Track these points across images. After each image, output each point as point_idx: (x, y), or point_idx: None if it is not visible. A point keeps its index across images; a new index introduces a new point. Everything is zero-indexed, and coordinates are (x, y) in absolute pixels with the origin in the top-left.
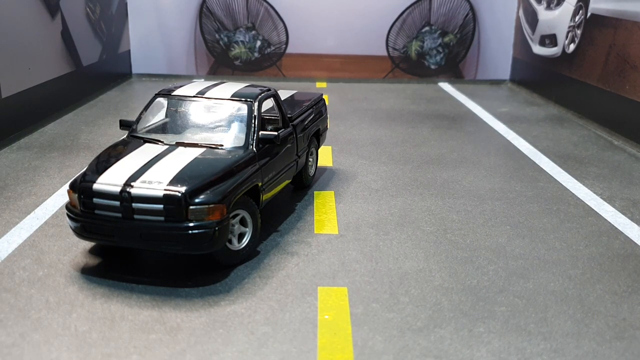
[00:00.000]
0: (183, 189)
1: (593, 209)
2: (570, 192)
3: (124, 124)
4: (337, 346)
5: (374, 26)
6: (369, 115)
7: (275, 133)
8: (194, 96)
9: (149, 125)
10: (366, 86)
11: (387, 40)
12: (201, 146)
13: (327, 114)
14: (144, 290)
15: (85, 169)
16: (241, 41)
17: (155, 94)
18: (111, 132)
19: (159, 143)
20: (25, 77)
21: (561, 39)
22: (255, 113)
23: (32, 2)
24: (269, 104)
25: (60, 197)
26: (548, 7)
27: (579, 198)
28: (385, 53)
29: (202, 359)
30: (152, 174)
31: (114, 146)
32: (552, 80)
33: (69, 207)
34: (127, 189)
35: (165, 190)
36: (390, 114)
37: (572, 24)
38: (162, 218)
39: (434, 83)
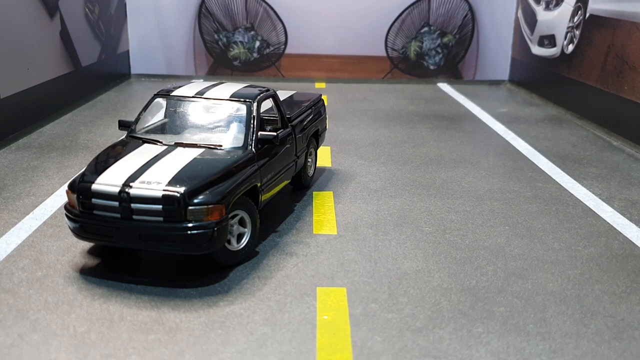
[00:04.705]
0: (182, 189)
1: (592, 210)
2: (569, 192)
3: (123, 125)
4: (336, 346)
5: (373, 26)
6: (368, 115)
7: (274, 133)
8: (193, 96)
9: (148, 126)
10: (365, 86)
11: (386, 40)
12: (200, 146)
13: (326, 115)
14: (142, 291)
15: (84, 169)
16: (240, 41)
17: (154, 95)
18: (110, 133)
19: (158, 143)
20: (24, 77)
21: (560, 39)
22: (254, 113)
23: (30, 2)
24: (268, 104)
25: (59, 197)
26: (547, 8)
27: (577, 198)
28: (384, 53)
29: None
30: (151, 174)
31: (113, 146)
32: (551, 81)
33: (67, 207)
34: (126, 190)
35: (164, 190)
36: (389, 114)
37: (570, 24)
38: (161, 218)
39: (433, 83)
